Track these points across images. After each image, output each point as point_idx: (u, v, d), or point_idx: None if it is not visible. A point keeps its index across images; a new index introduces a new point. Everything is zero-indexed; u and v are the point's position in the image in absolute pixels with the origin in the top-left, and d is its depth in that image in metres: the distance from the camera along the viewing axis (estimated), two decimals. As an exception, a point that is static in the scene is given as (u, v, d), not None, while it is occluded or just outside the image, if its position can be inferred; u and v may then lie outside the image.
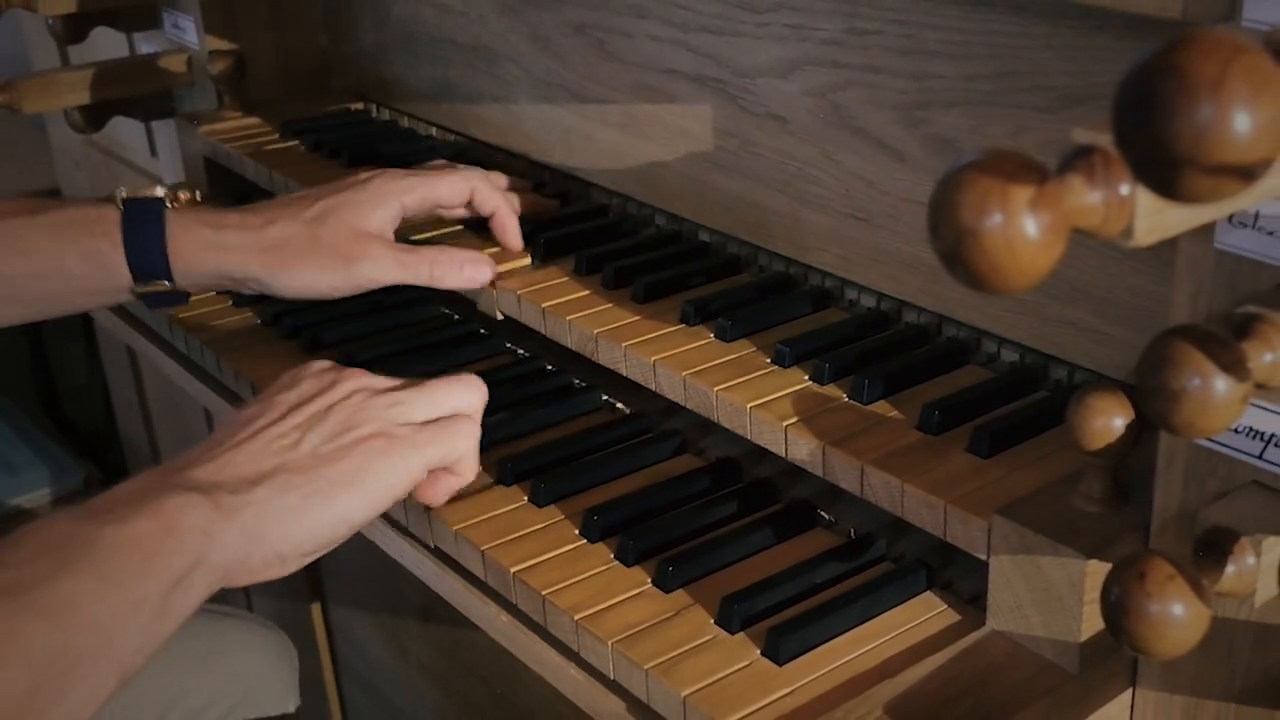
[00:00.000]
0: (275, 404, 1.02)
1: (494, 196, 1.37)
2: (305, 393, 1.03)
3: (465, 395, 1.07)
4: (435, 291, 1.33)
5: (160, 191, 1.31)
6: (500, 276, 1.33)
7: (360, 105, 1.87)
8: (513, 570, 1.05)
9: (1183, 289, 0.80)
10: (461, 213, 1.40)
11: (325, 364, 1.07)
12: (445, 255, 1.31)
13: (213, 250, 1.28)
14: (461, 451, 1.04)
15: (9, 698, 0.78)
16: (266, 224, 1.29)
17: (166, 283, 1.29)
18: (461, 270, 1.31)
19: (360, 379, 1.05)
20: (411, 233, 1.43)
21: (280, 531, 0.94)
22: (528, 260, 1.36)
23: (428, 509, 1.12)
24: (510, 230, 1.37)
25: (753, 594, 1.01)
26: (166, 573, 0.87)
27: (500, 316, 1.33)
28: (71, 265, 1.27)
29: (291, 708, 1.64)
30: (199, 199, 1.31)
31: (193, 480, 0.93)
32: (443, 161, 1.49)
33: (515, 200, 1.41)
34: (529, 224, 1.40)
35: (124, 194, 1.29)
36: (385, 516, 1.15)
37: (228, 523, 0.91)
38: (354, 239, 1.29)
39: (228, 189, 1.81)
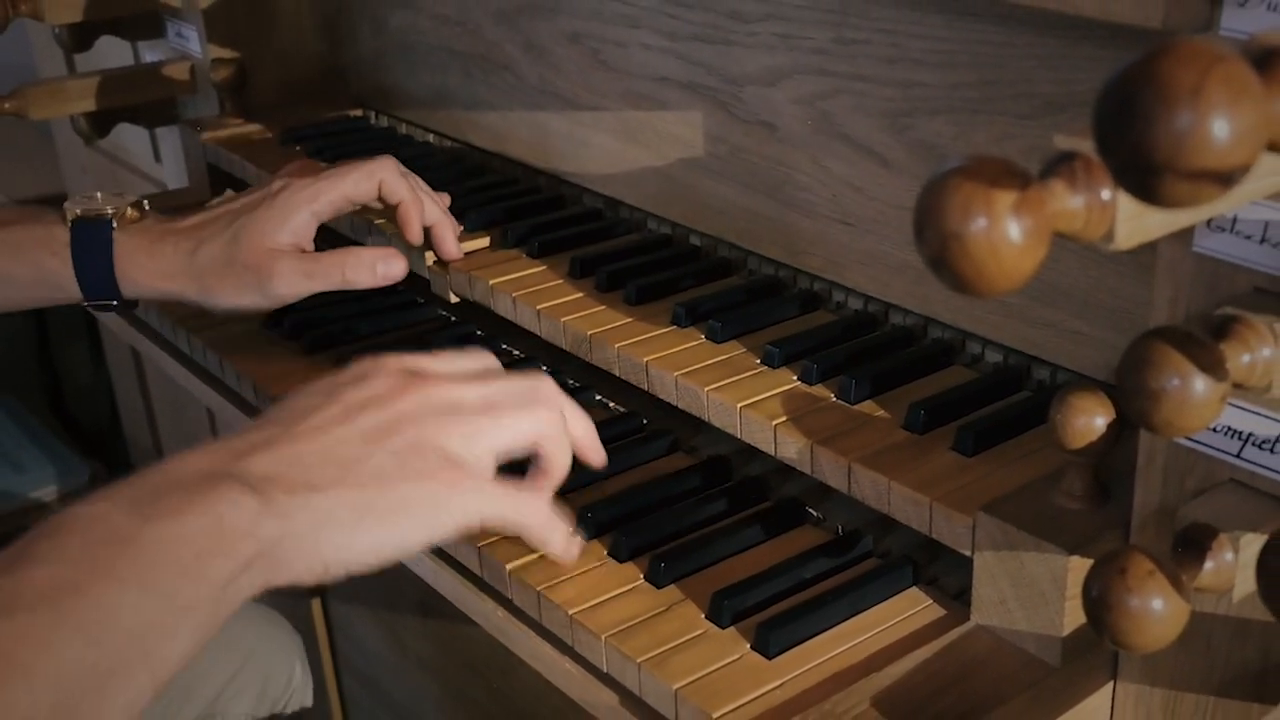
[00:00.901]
0: (342, 400, 0.92)
1: (400, 187, 1.34)
2: (375, 393, 0.93)
3: (540, 426, 0.97)
4: (432, 294, 1.33)
5: (109, 209, 1.31)
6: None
7: (359, 112, 1.87)
8: (508, 567, 1.05)
9: (1162, 291, 0.80)
10: (379, 205, 1.39)
11: (398, 362, 0.97)
12: (354, 257, 1.29)
13: (153, 276, 1.29)
14: (523, 526, 0.95)
15: (34, 717, 0.72)
16: (196, 246, 1.29)
17: (114, 300, 1.30)
18: (374, 269, 1.30)
19: (432, 390, 0.94)
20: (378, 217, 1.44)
21: (332, 545, 0.86)
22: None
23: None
24: (412, 223, 1.35)
25: (743, 589, 1.01)
26: (215, 577, 0.80)
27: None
28: (23, 278, 1.29)
29: (309, 701, 1.63)
30: (146, 209, 1.30)
31: (249, 472, 0.85)
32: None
33: (424, 187, 1.38)
34: (521, 224, 1.40)
35: (76, 213, 1.29)
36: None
37: (279, 525, 0.84)
38: (265, 257, 1.27)
39: (231, 192, 1.81)
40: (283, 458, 0.87)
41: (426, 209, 1.36)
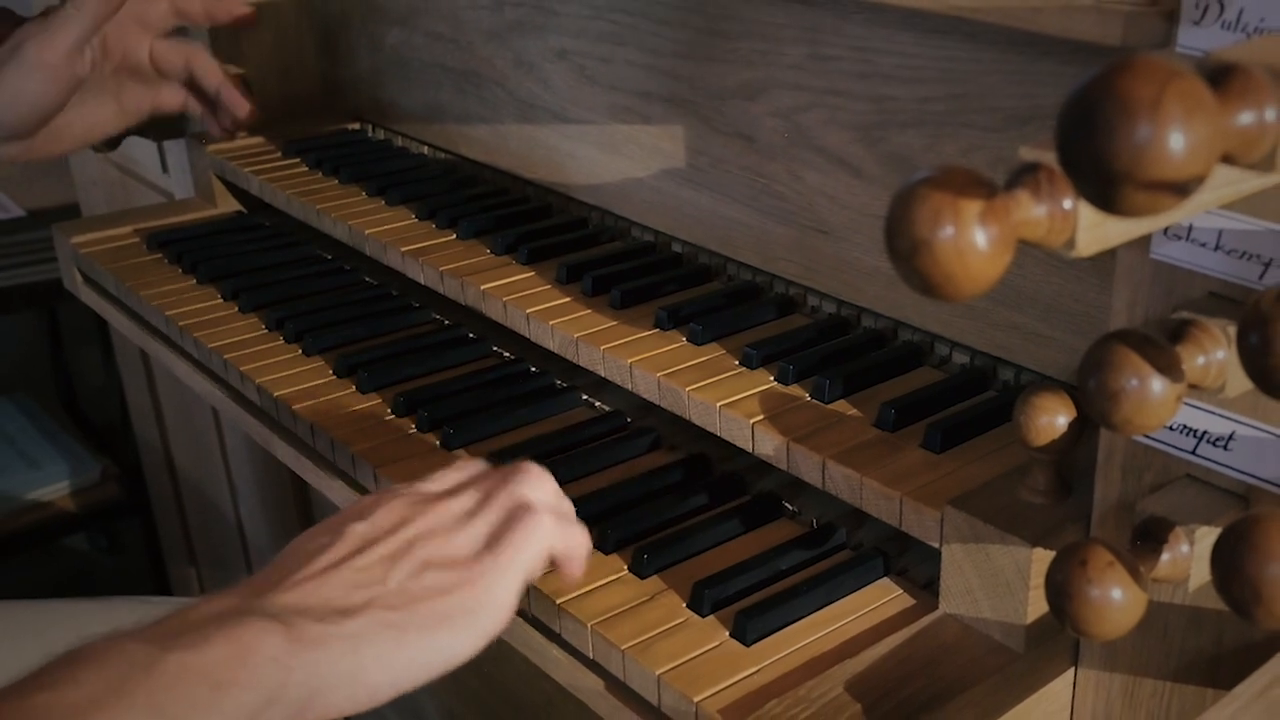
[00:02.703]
0: (349, 535, 0.87)
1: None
2: (380, 525, 0.88)
3: (530, 491, 0.94)
4: (427, 298, 1.33)
5: None
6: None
7: (357, 125, 1.86)
8: (499, 558, 1.05)
9: (1121, 296, 0.80)
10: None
11: (394, 494, 0.93)
12: None
13: None
14: (545, 547, 0.91)
15: None
16: None
17: None
18: None
19: (435, 511, 0.90)
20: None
21: (377, 666, 0.80)
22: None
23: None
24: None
25: (722, 579, 1.00)
26: (234, 708, 0.73)
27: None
28: None
29: None
30: None
31: (274, 607, 0.79)
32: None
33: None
34: (511, 231, 1.40)
35: None
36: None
37: (311, 653, 0.77)
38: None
39: (234, 203, 1.82)
40: (309, 592, 0.82)
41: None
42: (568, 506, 0.97)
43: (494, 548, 0.88)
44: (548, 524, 0.91)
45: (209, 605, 0.79)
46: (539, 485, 0.95)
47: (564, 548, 0.93)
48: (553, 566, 0.95)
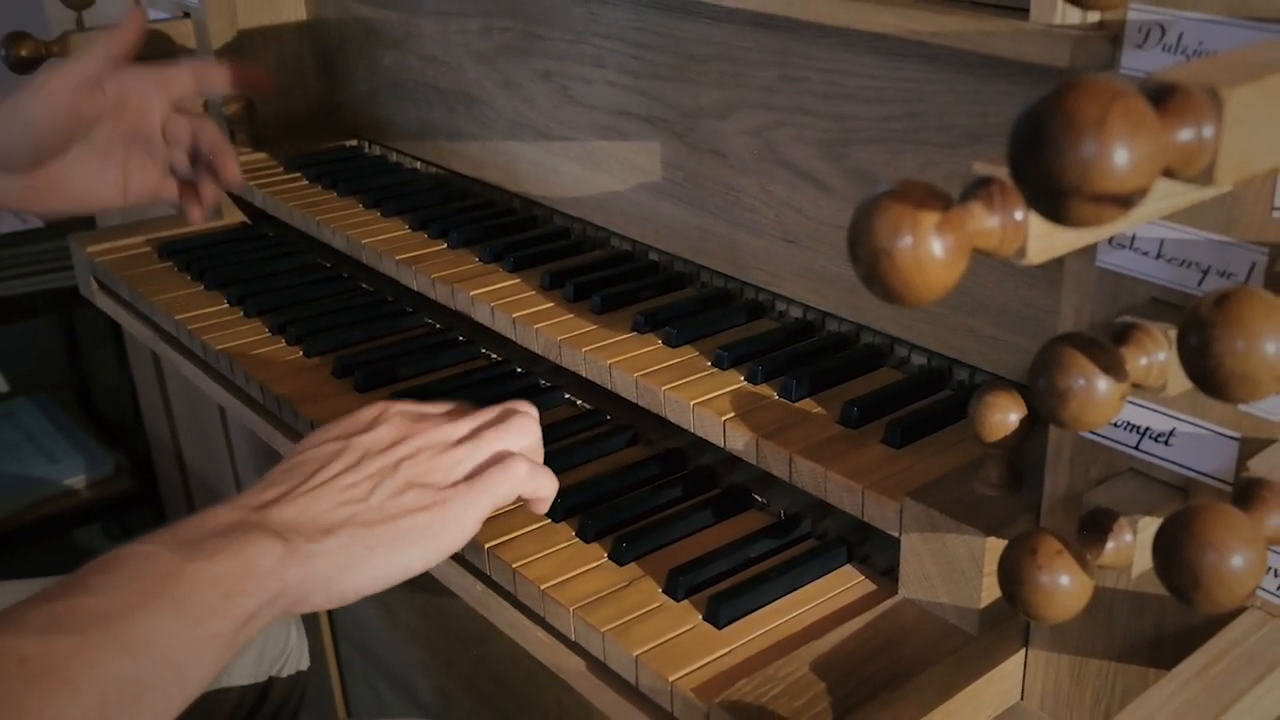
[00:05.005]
0: (352, 446, 0.96)
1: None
2: (380, 440, 0.97)
3: (516, 438, 1.01)
4: (420, 304, 1.32)
5: None
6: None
7: (354, 142, 1.85)
8: (487, 546, 1.05)
9: (1069, 301, 0.80)
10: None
11: (403, 411, 1.01)
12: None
13: None
14: (516, 492, 0.98)
15: None
16: None
17: None
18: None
19: (430, 433, 0.98)
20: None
21: (345, 578, 0.89)
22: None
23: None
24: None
25: (696, 567, 1.00)
26: (241, 612, 0.83)
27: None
28: None
29: (304, 664, 1.62)
30: None
31: (274, 522, 0.88)
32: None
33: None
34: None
35: None
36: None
37: (300, 569, 0.86)
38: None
39: (239, 214, 1.82)
40: (304, 507, 0.91)
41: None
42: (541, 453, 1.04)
43: (469, 481, 0.96)
44: (522, 471, 0.98)
45: (221, 515, 0.89)
46: (524, 433, 1.01)
47: (531, 491, 1.00)
48: (520, 502, 1.02)
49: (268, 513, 0.90)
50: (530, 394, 1.28)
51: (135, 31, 1.28)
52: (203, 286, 1.58)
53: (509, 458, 0.98)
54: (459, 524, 0.94)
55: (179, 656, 0.79)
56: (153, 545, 0.83)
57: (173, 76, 1.34)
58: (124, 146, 1.36)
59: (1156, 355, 0.66)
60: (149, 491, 2.90)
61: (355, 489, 0.93)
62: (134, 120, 1.35)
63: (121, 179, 1.37)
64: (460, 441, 0.99)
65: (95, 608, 0.77)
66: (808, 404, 1.08)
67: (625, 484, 1.14)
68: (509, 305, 1.28)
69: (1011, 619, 0.91)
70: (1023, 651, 0.91)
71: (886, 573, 1.01)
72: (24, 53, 1.57)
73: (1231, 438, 0.74)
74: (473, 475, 0.97)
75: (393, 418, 1.00)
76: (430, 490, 0.94)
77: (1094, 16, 0.80)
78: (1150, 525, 0.72)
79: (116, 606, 0.78)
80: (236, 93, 1.39)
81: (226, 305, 1.52)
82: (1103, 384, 0.63)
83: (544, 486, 1.00)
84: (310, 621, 2.08)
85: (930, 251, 0.49)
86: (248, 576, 0.83)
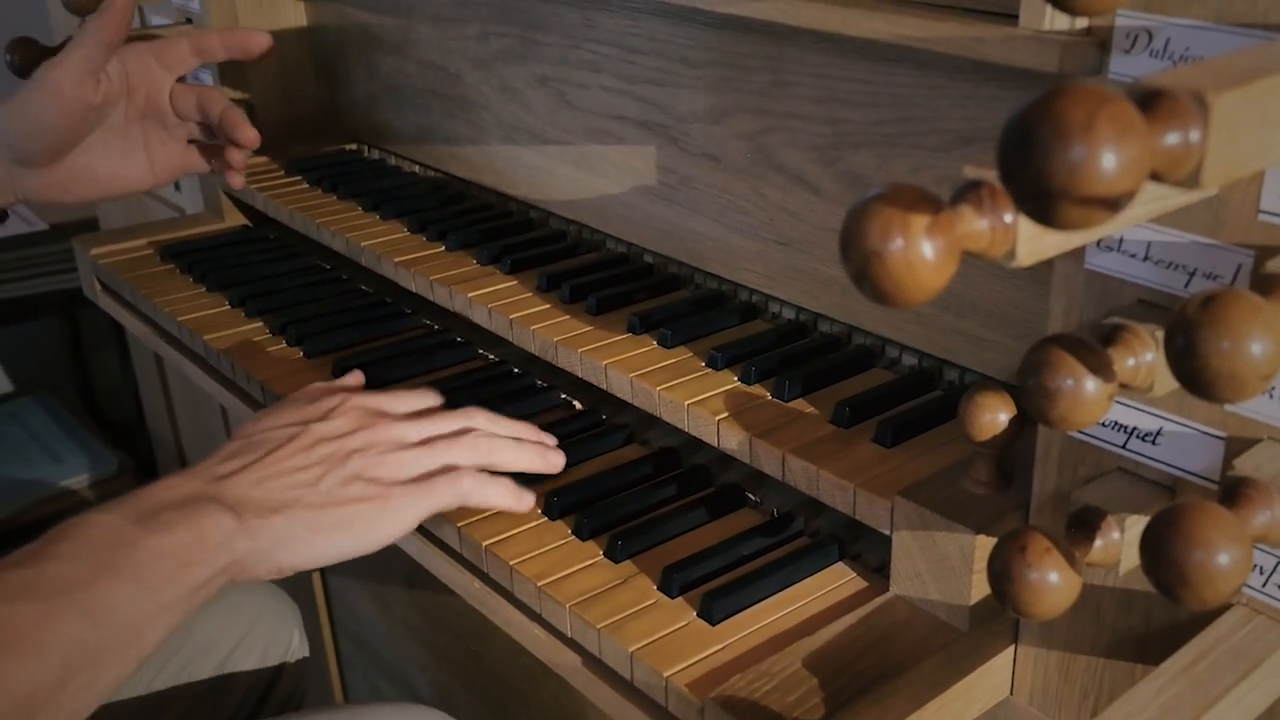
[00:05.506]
0: (308, 432, 1.01)
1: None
2: (335, 430, 1.02)
3: (465, 455, 1.05)
4: (419, 305, 1.32)
5: None
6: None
7: (354, 146, 1.85)
8: (484, 544, 1.04)
9: (1058, 303, 0.80)
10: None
11: (361, 405, 1.06)
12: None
13: None
14: (458, 502, 1.03)
15: (43, 686, 0.78)
16: None
17: None
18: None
19: (383, 430, 1.04)
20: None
21: (286, 554, 0.95)
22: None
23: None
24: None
25: (690, 564, 1.00)
26: (194, 580, 0.88)
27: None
28: None
29: (305, 652, 1.61)
30: None
31: (228, 496, 0.94)
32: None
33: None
34: (497, 244, 1.40)
35: None
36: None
37: (248, 541, 0.92)
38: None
39: (241, 217, 1.81)
40: (256, 483, 0.96)
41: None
42: (499, 460, 1.08)
43: (414, 484, 1.01)
44: (466, 486, 1.03)
45: (179, 486, 0.94)
46: (476, 452, 1.06)
47: (479, 502, 1.05)
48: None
49: (222, 486, 0.95)
50: (527, 394, 1.28)
51: (125, 10, 1.27)
52: (205, 288, 1.58)
53: (458, 471, 1.03)
54: (398, 519, 1.00)
55: (137, 622, 0.84)
56: (113, 515, 0.89)
57: (171, 49, 1.35)
58: (140, 125, 1.37)
59: (1144, 356, 0.66)
60: (152, 490, 2.90)
61: (306, 473, 0.98)
62: (143, 98, 1.37)
63: (146, 158, 1.39)
64: (413, 445, 1.04)
65: (60, 575, 0.82)
66: (800, 404, 1.08)
67: (620, 483, 1.14)
68: (506, 307, 1.28)
69: (1001, 616, 0.91)
70: (1012, 647, 0.91)
71: (878, 570, 1.01)
72: (28, 58, 1.57)
73: (1217, 437, 0.74)
74: (419, 479, 1.02)
75: (350, 410, 1.05)
76: (376, 484, 1.00)
77: (1082, 22, 0.80)
78: (1138, 523, 0.72)
79: (79, 575, 0.82)
80: (238, 58, 1.38)
81: (228, 306, 1.52)
82: (1091, 384, 0.63)
83: (494, 497, 1.06)
84: (310, 617, 2.08)
85: (921, 254, 0.49)
86: (201, 547, 0.89)
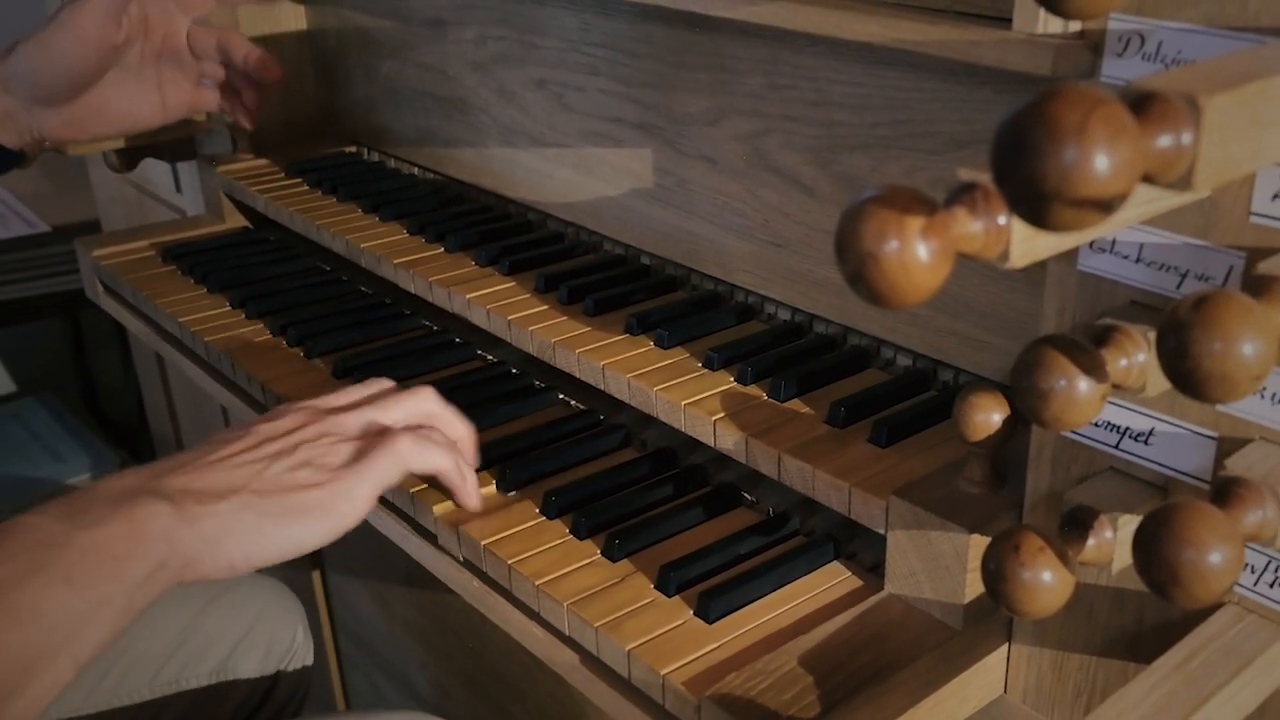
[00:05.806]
0: (254, 432, 0.97)
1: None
2: (281, 428, 0.98)
3: (387, 413, 1.03)
4: (419, 306, 1.32)
5: None
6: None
7: (353, 148, 1.85)
8: (483, 543, 1.04)
9: (1051, 304, 0.80)
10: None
11: (308, 405, 1.03)
12: None
13: None
14: (403, 466, 0.99)
15: None
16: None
17: None
18: None
19: (329, 423, 1.00)
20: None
21: (236, 545, 0.89)
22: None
23: (413, 494, 1.11)
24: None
25: (686, 563, 1.00)
26: (131, 575, 0.82)
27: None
28: None
29: (310, 660, 1.61)
30: None
31: (165, 488, 0.88)
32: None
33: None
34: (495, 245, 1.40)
35: None
36: (379, 499, 1.14)
37: (189, 529, 0.86)
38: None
39: (241, 219, 1.81)
40: (198, 475, 0.91)
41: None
42: (439, 431, 1.06)
43: (356, 461, 0.97)
44: (402, 446, 0.99)
45: (115, 483, 0.88)
46: (396, 406, 1.04)
47: (421, 467, 1.01)
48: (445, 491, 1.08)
49: (161, 480, 0.89)
50: (525, 394, 1.28)
51: None
52: (205, 289, 1.57)
53: (391, 435, 1.00)
54: (350, 501, 0.95)
55: (68, 625, 0.79)
56: (41, 516, 0.83)
57: None
58: (155, 65, 1.40)
59: (1136, 357, 0.66)
60: (153, 489, 2.90)
61: (253, 465, 0.94)
62: (160, 38, 1.39)
63: (159, 96, 1.41)
64: (359, 430, 1.01)
65: None
66: (796, 404, 1.08)
67: (618, 482, 1.13)
68: (505, 308, 1.28)
69: (995, 614, 0.91)
70: (1006, 646, 0.91)
71: (873, 569, 1.01)
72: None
73: (1209, 437, 0.74)
74: (358, 454, 0.98)
75: (297, 410, 1.02)
76: (324, 470, 0.95)
77: (1075, 26, 0.80)
78: (1130, 523, 0.72)
79: (6, 577, 0.78)
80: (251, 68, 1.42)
81: (229, 307, 1.52)
82: (1083, 385, 0.63)
83: (434, 459, 1.02)
84: (310, 616, 2.08)
85: (915, 255, 0.49)
86: (135, 540, 0.83)
